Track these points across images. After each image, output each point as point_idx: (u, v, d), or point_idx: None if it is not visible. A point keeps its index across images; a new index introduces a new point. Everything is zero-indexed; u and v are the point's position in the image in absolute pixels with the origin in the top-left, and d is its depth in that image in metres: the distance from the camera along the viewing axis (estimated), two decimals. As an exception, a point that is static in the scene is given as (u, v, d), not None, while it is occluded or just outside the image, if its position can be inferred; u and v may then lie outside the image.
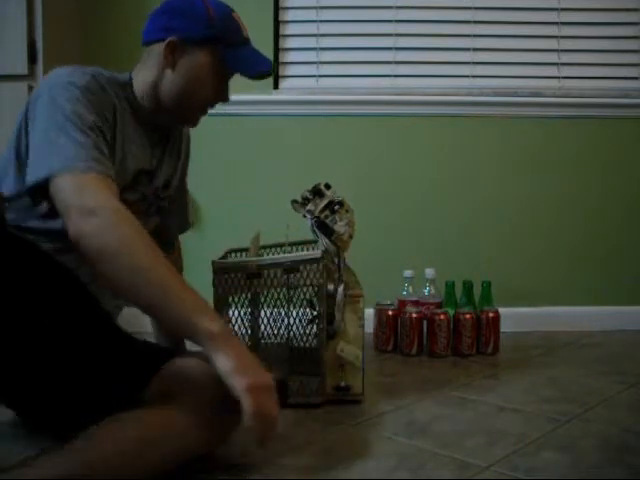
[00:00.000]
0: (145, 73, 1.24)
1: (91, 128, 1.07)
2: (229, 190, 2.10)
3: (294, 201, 1.42)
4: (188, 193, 1.54)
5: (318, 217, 1.37)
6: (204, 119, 1.33)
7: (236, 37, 1.27)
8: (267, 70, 1.32)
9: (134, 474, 0.94)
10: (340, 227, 1.37)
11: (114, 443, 0.94)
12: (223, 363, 0.96)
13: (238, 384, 0.96)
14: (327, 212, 1.38)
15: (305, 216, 1.41)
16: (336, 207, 1.38)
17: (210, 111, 1.31)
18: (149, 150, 1.27)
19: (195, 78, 1.24)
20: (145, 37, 1.26)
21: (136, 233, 1.00)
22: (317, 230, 1.38)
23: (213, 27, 1.22)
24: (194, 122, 1.32)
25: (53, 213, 1.05)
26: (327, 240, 1.36)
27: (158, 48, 1.21)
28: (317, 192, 1.40)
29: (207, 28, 1.22)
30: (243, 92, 2.07)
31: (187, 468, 1.07)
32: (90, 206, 0.98)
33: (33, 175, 1.04)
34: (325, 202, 1.39)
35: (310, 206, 1.39)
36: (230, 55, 1.26)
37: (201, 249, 2.07)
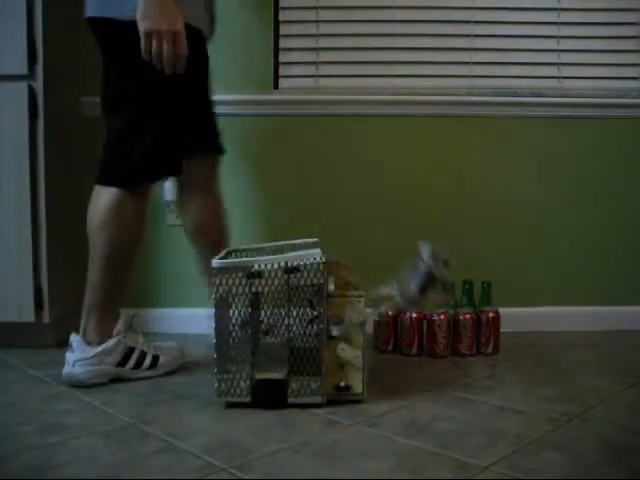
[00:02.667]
0: None
1: None
2: (229, 190, 2.10)
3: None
4: None
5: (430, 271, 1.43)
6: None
7: None
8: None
9: None
10: (436, 295, 1.42)
11: None
12: (139, 8, 1.37)
13: (140, 27, 1.37)
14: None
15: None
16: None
17: None
18: None
19: None
20: None
21: None
22: (424, 277, 1.43)
23: None
24: None
25: None
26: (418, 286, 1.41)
27: None
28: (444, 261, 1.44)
29: None
30: (243, 92, 2.08)
31: (186, 468, 1.07)
32: None
33: None
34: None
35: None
36: None
37: (201, 249, 2.08)
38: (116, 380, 1.56)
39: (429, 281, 1.36)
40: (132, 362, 1.58)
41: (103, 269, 1.54)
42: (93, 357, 1.54)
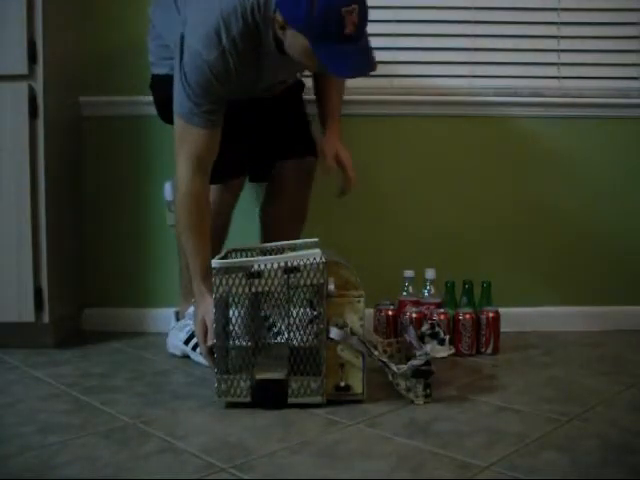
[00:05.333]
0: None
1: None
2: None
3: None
4: None
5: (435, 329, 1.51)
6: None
7: (331, 35, 1.33)
8: (350, 75, 1.51)
9: None
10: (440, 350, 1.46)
11: None
12: (196, 305, 1.56)
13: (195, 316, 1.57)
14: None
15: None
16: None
17: None
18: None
19: (298, 51, 1.41)
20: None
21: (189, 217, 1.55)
22: (429, 331, 1.49)
23: (310, 19, 1.32)
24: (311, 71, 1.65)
25: None
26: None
27: (277, 16, 1.41)
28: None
29: (304, 19, 1.33)
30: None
31: (185, 468, 1.08)
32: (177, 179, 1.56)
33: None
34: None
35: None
36: (321, 49, 1.35)
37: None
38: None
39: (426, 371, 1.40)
40: (192, 344, 1.72)
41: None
42: (172, 329, 1.81)
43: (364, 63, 1.41)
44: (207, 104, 1.47)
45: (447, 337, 1.49)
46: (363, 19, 1.36)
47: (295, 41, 1.40)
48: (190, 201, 1.53)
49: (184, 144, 1.52)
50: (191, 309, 1.74)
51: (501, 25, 2.12)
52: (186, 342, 1.74)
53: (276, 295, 1.38)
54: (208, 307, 1.44)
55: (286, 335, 1.37)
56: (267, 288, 1.35)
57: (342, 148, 1.80)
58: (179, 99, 1.50)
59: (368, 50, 1.42)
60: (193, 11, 1.50)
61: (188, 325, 1.75)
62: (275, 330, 1.50)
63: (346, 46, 1.34)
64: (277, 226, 1.85)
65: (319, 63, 1.38)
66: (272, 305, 1.40)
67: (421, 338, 1.48)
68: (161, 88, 1.69)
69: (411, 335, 1.51)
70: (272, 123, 1.77)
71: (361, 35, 1.37)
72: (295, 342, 1.37)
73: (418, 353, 1.41)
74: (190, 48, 1.45)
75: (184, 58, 1.47)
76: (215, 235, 1.66)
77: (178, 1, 1.60)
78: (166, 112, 1.63)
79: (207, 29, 1.43)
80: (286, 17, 1.38)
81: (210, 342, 1.42)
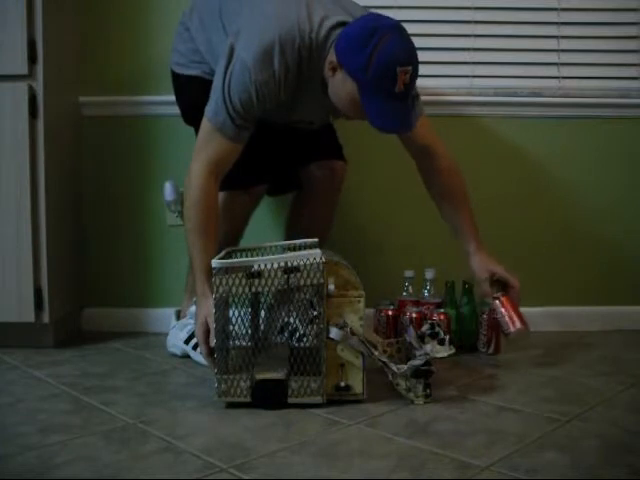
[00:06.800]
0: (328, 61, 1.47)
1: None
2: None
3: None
4: None
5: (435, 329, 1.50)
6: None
7: (382, 90, 1.39)
8: (388, 131, 1.53)
9: None
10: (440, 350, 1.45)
11: None
12: (197, 305, 1.51)
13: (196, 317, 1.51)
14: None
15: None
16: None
17: None
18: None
19: (342, 96, 1.46)
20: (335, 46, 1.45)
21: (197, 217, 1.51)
22: (429, 331, 1.49)
23: (366, 70, 1.37)
24: (346, 118, 1.57)
25: None
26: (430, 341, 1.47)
27: (330, 57, 1.45)
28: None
29: (360, 69, 1.38)
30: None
31: (186, 468, 1.08)
32: (190, 179, 1.51)
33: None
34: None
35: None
36: (368, 101, 1.41)
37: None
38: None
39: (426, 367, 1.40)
40: (192, 343, 1.72)
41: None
42: (172, 329, 1.81)
43: (404, 122, 1.49)
44: (242, 120, 1.48)
45: (447, 337, 1.49)
46: (413, 80, 1.42)
47: (343, 86, 1.44)
48: (203, 203, 1.51)
49: (207, 147, 1.50)
50: (193, 308, 1.74)
51: (501, 25, 2.12)
52: (186, 341, 1.74)
53: (278, 296, 1.39)
54: (210, 308, 1.44)
55: (311, 338, 1.36)
56: (267, 288, 1.35)
57: (494, 264, 1.72)
58: (215, 108, 1.48)
59: (409, 109, 1.48)
60: (248, 24, 1.48)
61: (189, 324, 1.74)
62: (298, 335, 1.50)
63: (392, 103, 1.41)
64: (305, 233, 1.76)
65: (361, 113, 1.44)
66: (295, 310, 1.39)
67: (421, 338, 1.48)
68: (190, 90, 1.71)
69: (411, 335, 1.51)
70: (299, 131, 1.75)
71: (408, 95, 1.43)
72: (295, 342, 1.37)
73: (418, 353, 1.41)
74: (240, 60, 1.44)
75: (230, 68, 1.45)
76: (227, 241, 1.66)
77: (223, 14, 1.59)
78: (193, 116, 1.62)
79: (262, 47, 1.42)
80: (342, 61, 1.41)
81: (212, 344, 1.41)
